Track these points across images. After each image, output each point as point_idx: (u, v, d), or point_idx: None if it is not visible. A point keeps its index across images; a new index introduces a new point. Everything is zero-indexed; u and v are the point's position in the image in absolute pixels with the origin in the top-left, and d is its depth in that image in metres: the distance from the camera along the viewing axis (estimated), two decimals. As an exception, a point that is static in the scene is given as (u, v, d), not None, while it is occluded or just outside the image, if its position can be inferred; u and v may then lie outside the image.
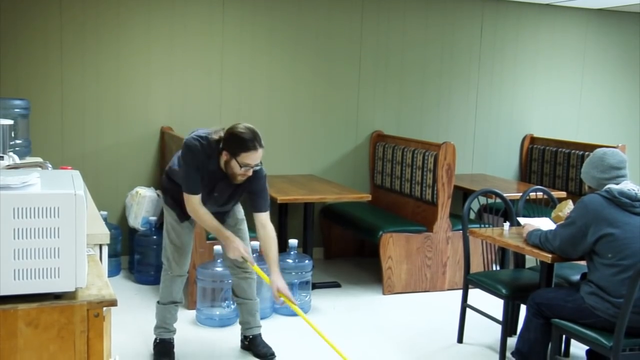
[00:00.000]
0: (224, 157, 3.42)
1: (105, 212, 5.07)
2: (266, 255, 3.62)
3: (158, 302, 3.85)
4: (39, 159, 3.91)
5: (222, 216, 3.74)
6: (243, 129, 3.39)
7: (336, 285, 5.33)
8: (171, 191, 3.69)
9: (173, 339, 3.85)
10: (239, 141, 3.37)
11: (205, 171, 3.47)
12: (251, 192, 3.60)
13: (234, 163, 3.39)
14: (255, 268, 3.67)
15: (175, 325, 3.86)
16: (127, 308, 4.46)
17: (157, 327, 3.84)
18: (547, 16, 6.76)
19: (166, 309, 3.81)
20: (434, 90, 6.43)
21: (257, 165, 3.44)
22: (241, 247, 3.57)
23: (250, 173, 3.43)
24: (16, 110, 4.32)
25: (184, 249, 3.76)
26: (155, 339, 3.84)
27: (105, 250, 2.76)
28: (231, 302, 4.36)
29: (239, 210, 3.86)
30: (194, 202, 3.49)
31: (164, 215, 3.83)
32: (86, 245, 1.88)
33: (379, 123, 6.24)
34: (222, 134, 3.44)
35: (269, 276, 3.57)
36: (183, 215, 3.65)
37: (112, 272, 5.24)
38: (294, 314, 4.59)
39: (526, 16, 6.68)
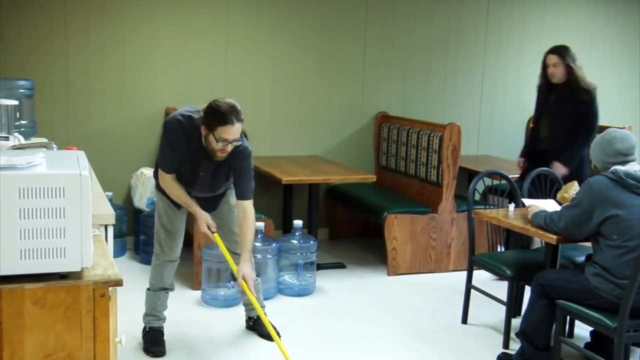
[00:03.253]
0: (203, 131, 3.32)
1: (110, 193, 5.08)
2: (240, 241, 3.58)
3: (148, 289, 3.78)
4: (44, 140, 3.90)
5: (214, 202, 3.69)
6: (221, 102, 3.29)
7: (341, 266, 5.34)
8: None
9: (163, 327, 3.77)
10: (215, 115, 3.26)
11: (185, 150, 3.40)
12: (235, 171, 3.51)
13: (211, 138, 3.28)
14: (221, 244, 3.59)
15: (165, 313, 3.79)
16: (132, 288, 4.46)
17: (146, 315, 3.76)
18: (554, -4, 6.72)
19: (156, 296, 3.74)
20: (440, 71, 6.40)
21: (235, 140, 3.32)
22: (204, 224, 3.52)
23: (229, 149, 3.32)
24: (21, 90, 4.31)
25: (176, 234, 3.69)
26: (145, 327, 3.76)
27: (110, 230, 2.77)
28: (234, 284, 4.37)
29: (232, 196, 3.76)
30: (166, 179, 3.49)
31: (156, 200, 3.76)
32: (92, 225, 1.88)
33: (384, 104, 6.21)
34: None
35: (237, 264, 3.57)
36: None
37: (118, 252, 5.26)
38: (299, 295, 4.63)
39: (533, -4, 6.63)
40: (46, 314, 1.81)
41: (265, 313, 3.98)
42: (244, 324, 4.05)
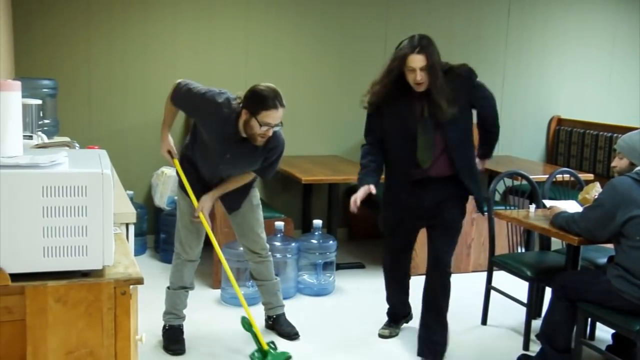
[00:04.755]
0: (244, 116, 3.32)
1: (131, 192, 5.11)
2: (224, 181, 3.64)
3: (168, 287, 3.80)
4: (67, 139, 3.94)
5: (237, 201, 3.70)
6: (264, 87, 3.33)
7: (360, 266, 5.34)
8: (188, 176, 3.63)
9: (182, 325, 3.79)
10: (259, 99, 3.28)
11: (218, 133, 3.41)
12: (265, 162, 3.54)
13: (253, 122, 3.29)
14: (185, 183, 3.61)
15: (184, 311, 3.81)
16: (152, 287, 4.49)
17: (166, 313, 3.78)
18: (577, -5, 6.66)
19: (176, 295, 3.75)
20: (460, 71, 6.36)
21: (277, 125, 3.36)
22: (165, 146, 3.60)
23: (270, 133, 3.34)
24: (44, 90, 4.36)
25: (197, 234, 3.71)
26: (164, 326, 3.78)
27: (131, 229, 2.78)
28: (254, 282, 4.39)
29: (255, 195, 3.80)
30: (167, 101, 3.58)
31: (177, 198, 3.79)
32: (113, 224, 1.90)
33: (404, 104, 6.19)
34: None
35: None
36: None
37: (138, 251, 5.29)
38: (318, 294, 4.63)
39: (555, -5, 6.58)
40: (68, 311, 1.83)
41: (284, 312, 4.00)
42: (263, 323, 4.06)
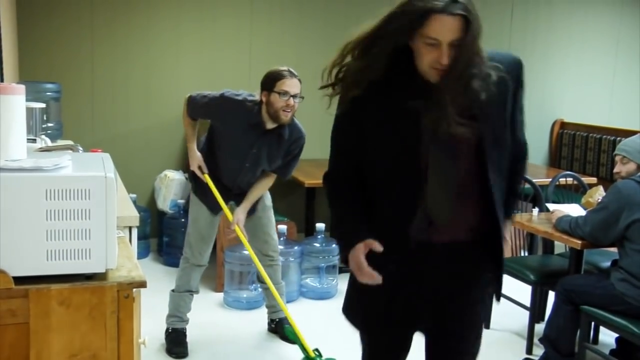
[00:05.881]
0: (264, 98, 3.42)
1: (134, 195, 5.12)
2: (249, 192, 3.68)
3: (173, 290, 3.80)
4: (70, 142, 3.96)
5: (253, 205, 3.72)
6: (274, 68, 3.49)
7: (363, 269, 5.32)
8: (202, 181, 3.65)
9: (186, 328, 3.79)
10: (272, 75, 3.42)
11: (242, 123, 3.45)
12: (288, 155, 3.61)
13: (273, 97, 3.38)
14: (218, 196, 3.63)
15: (188, 315, 3.80)
16: (155, 290, 4.49)
17: (170, 316, 3.78)
18: (580, -1, 6.66)
19: (181, 298, 3.76)
20: (463, 74, 6.36)
21: (296, 95, 3.42)
22: (196, 163, 3.61)
23: (292, 103, 3.40)
24: (48, 93, 4.37)
25: (208, 240, 3.72)
26: (168, 329, 3.78)
27: (134, 232, 2.79)
28: (258, 285, 4.39)
29: (267, 197, 3.84)
30: (185, 117, 3.62)
31: (190, 203, 3.79)
32: (116, 227, 1.90)
33: (407, 107, 6.19)
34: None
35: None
36: (215, 207, 3.64)
37: (141, 254, 5.29)
38: (321, 298, 4.62)
39: (558, -1, 6.58)
40: (72, 314, 1.83)
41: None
42: (266, 326, 4.06)
